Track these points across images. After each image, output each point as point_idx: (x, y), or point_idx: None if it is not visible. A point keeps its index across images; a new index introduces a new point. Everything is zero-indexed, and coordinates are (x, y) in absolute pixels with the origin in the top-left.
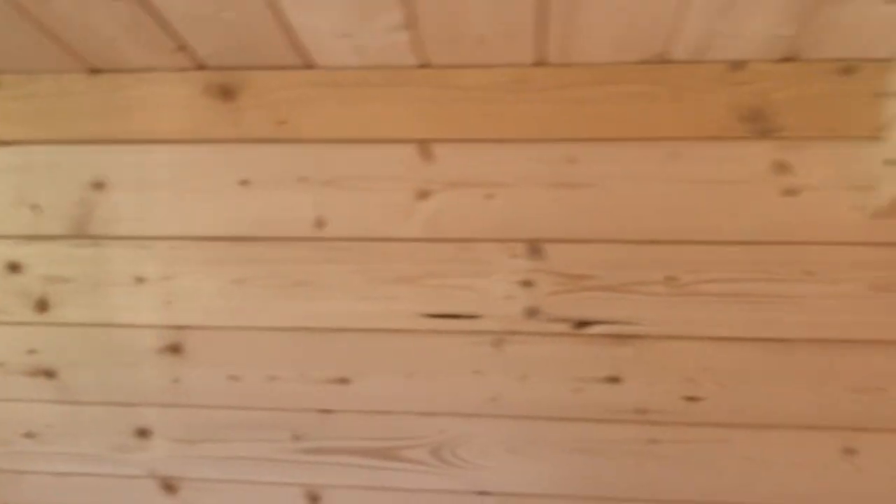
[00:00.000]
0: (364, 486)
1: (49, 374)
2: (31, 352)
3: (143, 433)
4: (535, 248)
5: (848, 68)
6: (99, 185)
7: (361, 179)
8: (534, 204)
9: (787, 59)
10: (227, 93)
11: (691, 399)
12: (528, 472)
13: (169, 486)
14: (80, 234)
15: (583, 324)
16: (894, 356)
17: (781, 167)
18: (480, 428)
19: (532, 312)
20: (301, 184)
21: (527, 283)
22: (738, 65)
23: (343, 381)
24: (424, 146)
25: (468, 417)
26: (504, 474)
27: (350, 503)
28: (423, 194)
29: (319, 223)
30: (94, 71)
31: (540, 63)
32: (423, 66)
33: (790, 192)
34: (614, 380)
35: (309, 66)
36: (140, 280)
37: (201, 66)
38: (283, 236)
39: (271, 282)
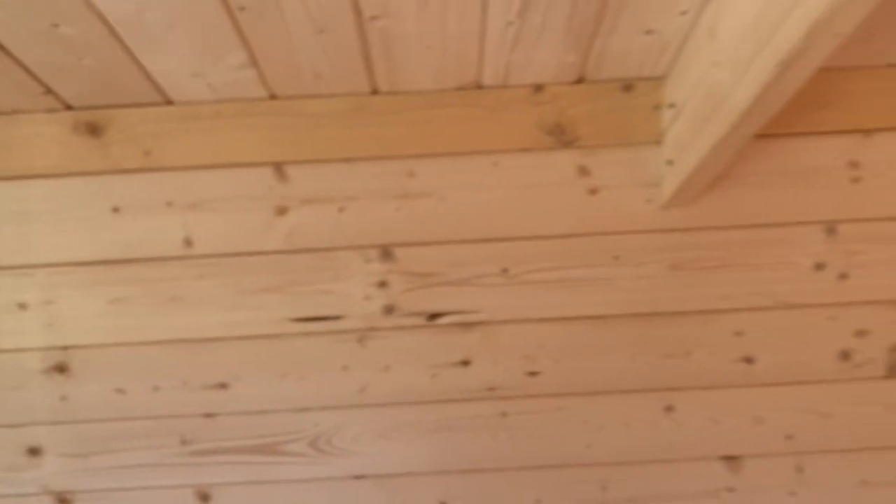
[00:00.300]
0: (250, 481)
1: None
2: None
3: (34, 451)
4: (386, 252)
5: (628, 86)
6: None
7: (224, 201)
8: (381, 214)
9: (578, 81)
10: (94, 129)
11: (532, 374)
12: (397, 453)
13: (63, 500)
14: None
15: (434, 316)
16: (695, 324)
17: (583, 171)
18: (351, 418)
19: (389, 310)
20: (168, 208)
21: (382, 284)
22: (539, 88)
23: (223, 386)
24: (279, 168)
25: (340, 409)
26: (376, 458)
27: (238, 498)
28: (282, 210)
29: (188, 243)
30: None
31: (375, 92)
32: (271, 97)
33: (593, 191)
34: (465, 363)
35: (168, 102)
36: (22, 306)
37: (69, 107)
38: (156, 257)
39: (148, 299)
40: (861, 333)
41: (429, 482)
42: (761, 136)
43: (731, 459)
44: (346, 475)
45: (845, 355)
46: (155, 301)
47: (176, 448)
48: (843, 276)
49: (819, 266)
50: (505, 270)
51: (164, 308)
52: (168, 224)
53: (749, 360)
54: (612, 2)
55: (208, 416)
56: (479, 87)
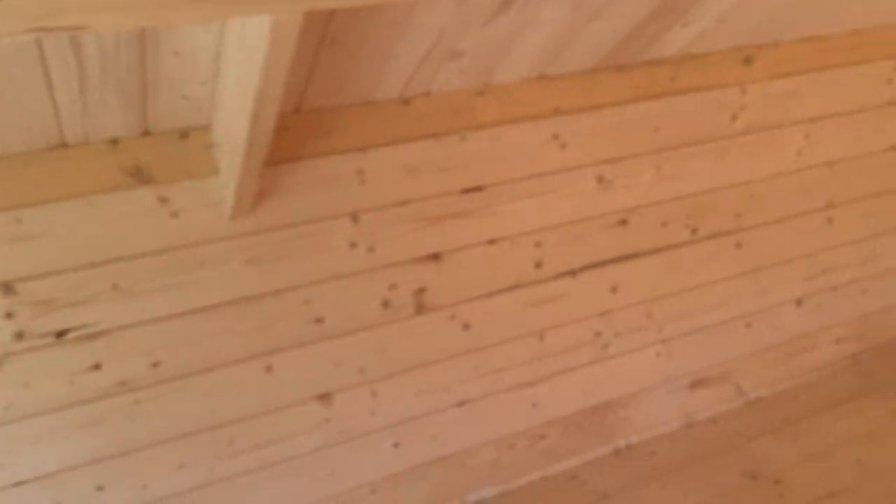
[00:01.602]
0: None
1: None
2: None
3: None
4: (8, 287)
5: (184, 134)
6: None
7: None
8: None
9: (145, 134)
10: None
11: (155, 365)
12: (52, 454)
13: None
14: None
15: (62, 333)
16: (275, 301)
17: (163, 200)
18: (2, 435)
19: (19, 335)
20: None
21: (9, 315)
22: (114, 141)
23: None
24: None
25: None
26: (33, 463)
27: None
28: None
29: None
30: None
31: None
32: None
33: (174, 214)
34: (97, 367)
35: None
36: None
37: None
38: None
39: None
40: (393, 287)
41: (84, 472)
42: (293, 159)
43: (323, 397)
44: (7, 485)
45: (386, 303)
46: None
47: None
48: (371, 249)
49: (353, 245)
50: (116, 286)
51: None
52: None
53: (319, 321)
54: (150, 81)
55: None
56: (65, 146)
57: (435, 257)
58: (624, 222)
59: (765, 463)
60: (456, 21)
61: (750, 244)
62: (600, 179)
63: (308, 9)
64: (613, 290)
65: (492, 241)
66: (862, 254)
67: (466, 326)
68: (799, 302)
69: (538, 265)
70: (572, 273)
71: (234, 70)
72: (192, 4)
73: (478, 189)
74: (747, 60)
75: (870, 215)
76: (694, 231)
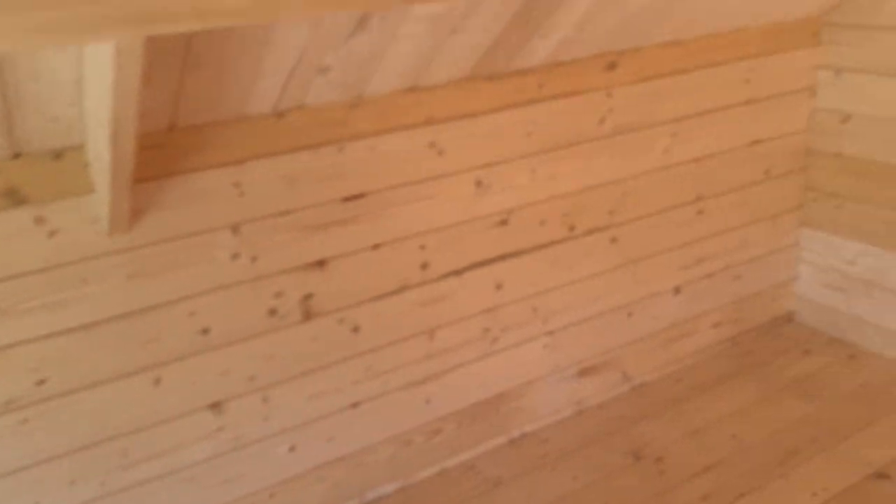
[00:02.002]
0: None
1: None
2: None
3: None
4: None
5: (58, 154)
6: None
7: None
8: None
9: (16, 156)
10: None
11: (40, 382)
12: None
13: None
14: None
15: None
16: (158, 314)
17: (40, 220)
18: None
19: None
20: None
21: None
22: None
23: None
24: None
25: None
26: None
27: None
28: None
29: None
30: None
31: None
32: None
33: (52, 233)
34: None
35: None
36: None
37: None
38: None
39: None
40: (279, 294)
41: None
42: (169, 175)
43: (214, 406)
44: None
45: (272, 311)
46: None
47: None
48: (254, 259)
49: (235, 255)
50: None
51: None
52: None
53: (206, 331)
54: (13, 105)
55: None
56: None
57: (320, 264)
58: (504, 222)
59: (648, 443)
60: (316, 39)
61: (625, 238)
62: (478, 183)
63: (137, 36)
64: (498, 287)
65: (376, 247)
66: (733, 242)
67: (356, 329)
68: (677, 290)
69: (424, 267)
70: (458, 273)
71: (92, 93)
72: (23, 34)
73: (359, 197)
74: (611, 66)
75: (737, 206)
76: (571, 228)
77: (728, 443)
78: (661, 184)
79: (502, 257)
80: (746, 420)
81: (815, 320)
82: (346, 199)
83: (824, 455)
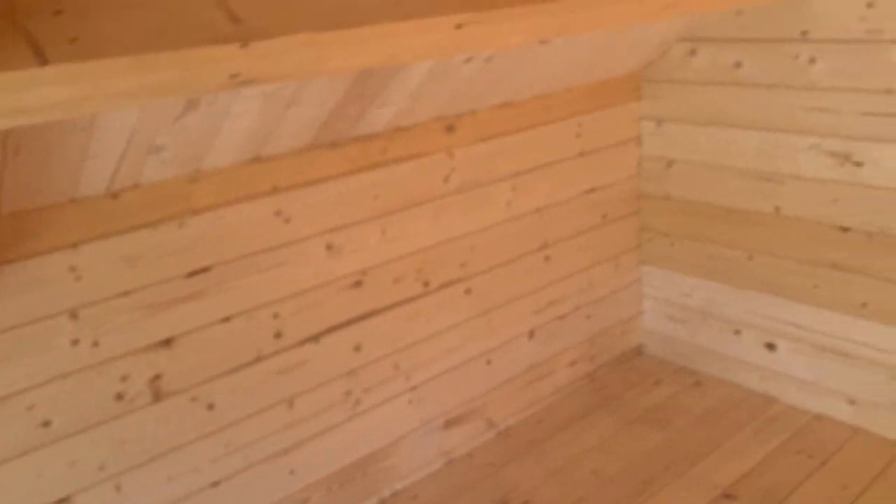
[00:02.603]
0: None
1: None
2: None
3: None
4: None
5: None
6: None
7: None
8: None
9: None
10: None
11: None
12: None
13: None
14: None
15: None
16: None
17: None
18: None
19: None
20: None
21: None
22: None
23: None
24: None
25: None
26: None
27: None
28: None
29: None
30: None
31: None
32: None
33: None
34: None
35: None
36: None
37: None
38: None
39: None
40: (125, 378)
41: None
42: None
43: (63, 501)
44: None
45: (119, 395)
46: None
47: None
48: (96, 343)
49: (75, 342)
50: None
51: None
52: None
53: (47, 424)
54: None
55: None
56: None
57: (167, 343)
58: (358, 284)
59: (514, 487)
60: (146, 121)
61: (478, 289)
62: (329, 247)
63: None
64: (357, 348)
65: (226, 319)
66: (580, 284)
67: (210, 406)
68: (531, 334)
69: (278, 335)
70: (314, 338)
71: None
72: None
73: (205, 270)
74: (450, 128)
75: (581, 250)
76: (426, 284)
77: (589, 479)
78: (508, 234)
79: (359, 318)
80: (605, 454)
81: (663, 351)
82: (191, 274)
83: (677, 481)
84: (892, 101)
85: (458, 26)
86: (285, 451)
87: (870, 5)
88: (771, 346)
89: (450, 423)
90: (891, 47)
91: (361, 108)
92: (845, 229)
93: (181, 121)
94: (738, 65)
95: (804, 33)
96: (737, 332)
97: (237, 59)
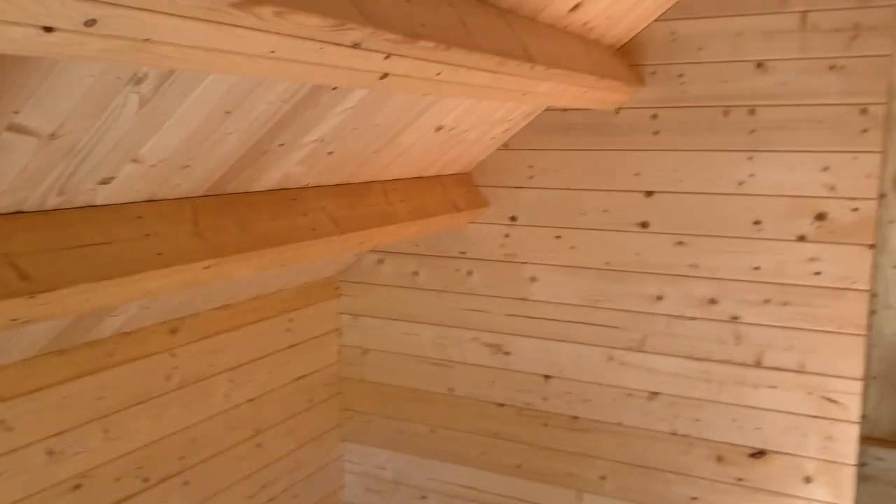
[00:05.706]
0: None
1: None
2: None
3: None
4: None
5: None
6: None
7: None
8: None
9: None
10: None
11: None
12: None
13: None
14: None
15: None
16: None
17: None
18: None
19: None
20: None
21: None
22: None
23: None
24: None
25: None
26: None
27: None
28: None
29: None
30: None
31: None
32: None
33: None
34: None
35: None
36: None
37: None
38: None
39: None
40: None
41: None
42: None
43: None
44: None
45: None
46: None
47: None
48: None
49: None
50: None
51: None
52: None
53: None
54: None
55: None
56: None
57: None
58: (78, 486)
59: None
60: None
61: (196, 480)
62: (50, 452)
63: None
64: None
65: None
66: (288, 466)
67: None
68: None
69: None
70: None
71: None
72: None
73: None
74: (173, 331)
75: (289, 433)
76: (146, 480)
77: None
78: (224, 425)
79: None
80: None
81: None
82: None
83: None
84: (526, 305)
85: (206, 268)
86: None
87: (506, 236)
88: None
89: None
90: (523, 267)
91: (96, 318)
92: (501, 405)
93: None
94: (416, 273)
95: (463, 252)
96: (423, 498)
97: (22, 308)
